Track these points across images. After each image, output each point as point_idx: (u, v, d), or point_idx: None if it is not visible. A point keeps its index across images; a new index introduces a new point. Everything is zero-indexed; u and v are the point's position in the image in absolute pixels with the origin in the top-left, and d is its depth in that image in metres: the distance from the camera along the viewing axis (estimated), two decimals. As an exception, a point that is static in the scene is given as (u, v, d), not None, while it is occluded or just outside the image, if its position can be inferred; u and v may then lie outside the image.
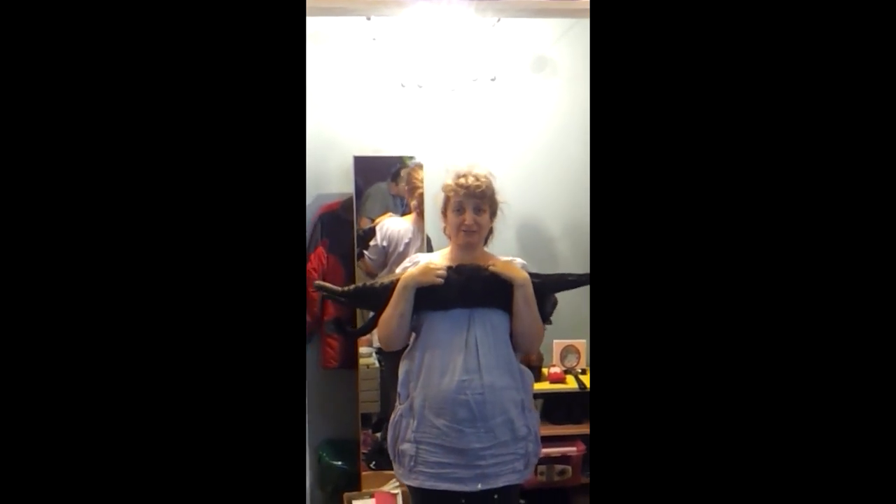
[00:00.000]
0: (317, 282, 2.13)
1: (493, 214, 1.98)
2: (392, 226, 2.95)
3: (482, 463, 1.85)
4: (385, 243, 2.93)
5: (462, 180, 1.92)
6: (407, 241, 2.93)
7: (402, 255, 2.82)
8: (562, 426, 2.94)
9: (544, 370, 3.00)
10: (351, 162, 2.91)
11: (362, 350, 2.95)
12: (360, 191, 2.94)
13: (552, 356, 3.08)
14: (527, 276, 1.92)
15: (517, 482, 1.92)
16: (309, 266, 2.95)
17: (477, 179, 1.92)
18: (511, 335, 1.93)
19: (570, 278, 2.03)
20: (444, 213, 1.98)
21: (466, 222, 1.91)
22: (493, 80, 2.91)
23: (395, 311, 1.89)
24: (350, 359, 2.99)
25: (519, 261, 2.00)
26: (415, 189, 2.93)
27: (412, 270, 1.92)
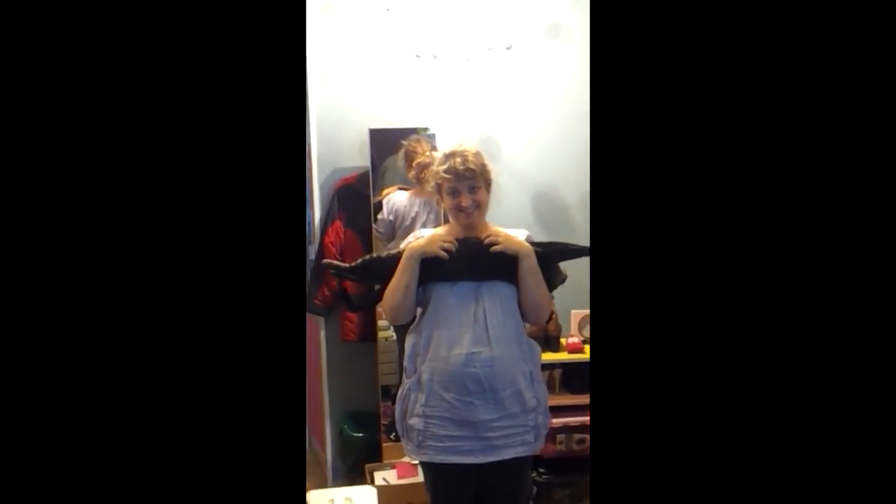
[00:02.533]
0: (325, 261, 2.12)
1: (487, 186, 1.92)
2: (398, 199, 2.95)
3: (491, 435, 1.84)
4: (391, 217, 2.93)
5: (450, 163, 1.87)
6: (413, 214, 2.92)
7: (409, 229, 2.81)
8: (580, 396, 2.95)
9: (562, 340, 3.00)
10: (367, 135, 2.91)
11: (381, 322, 2.97)
12: (375, 164, 2.93)
13: (570, 326, 3.08)
14: (529, 246, 1.89)
15: (527, 454, 1.92)
16: (326, 240, 2.96)
17: (464, 160, 1.86)
18: (519, 306, 1.92)
19: (571, 247, 2.01)
20: (441, 197, 1.95)
21: (464, 204, 1.87)
22: (508, 48, 2.89)
23: (400, 283, 1.87)
24: (369, 331, 3.01)
25: (524, 232, 1.98)
26: (413, 160, 2.89)
27: (417, 241, 1.91)
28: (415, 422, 1.88)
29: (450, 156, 1.89)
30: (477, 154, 1.91)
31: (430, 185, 1.97)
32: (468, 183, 1.87)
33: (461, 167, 1.86)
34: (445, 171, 1.87)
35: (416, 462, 2.78)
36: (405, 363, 1.96)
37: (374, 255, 2.07)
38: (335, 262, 2.08)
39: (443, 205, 1.97)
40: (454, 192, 1.88)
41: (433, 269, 1.87)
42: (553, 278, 1.98)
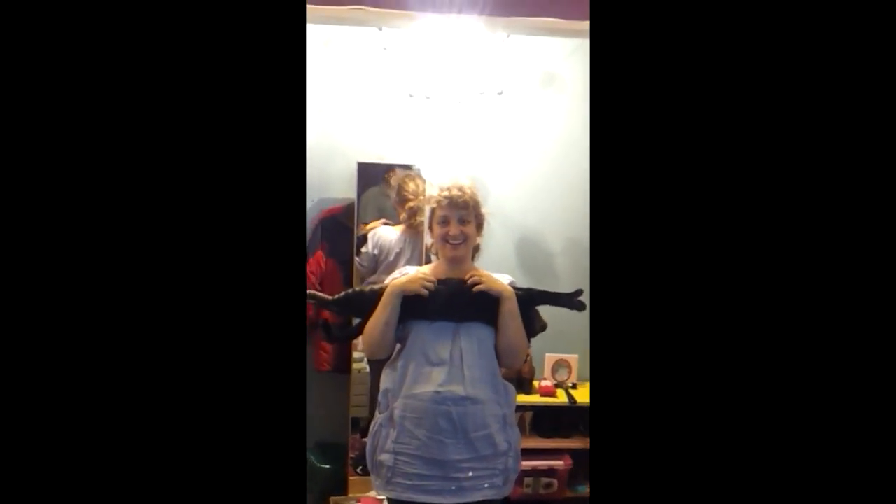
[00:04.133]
0: (308, 291, 2.14)
1: (479, 227, 1.97)
2: (384, 234, 2.97)
3: (460, 476, 1.84)
4: (376, 251, 2.95)
5: (446, 192, 1.93)
6: (398, 250, 2.95)
7: (393, 264, 2.84)
8: (550, 439, 2.96)
9: (535, 383, 3.02)
10: (355, 168, 2.94)
11: (356, 354, 2.97)
12: (361, 197, 2.96)
13: (543, 369, 3.10)
14: (511, 290, 1.92)
15: (494, 498, 1.92)
16: (307, 269, 2.97)
17: (461, 190, 1.92)
18: (495, 349, 1.94)
19: (551, 294, 2.03)
20: (430, 226, 1.99)
21: (451, 232, 1.91)
22: (499, 94, 2.95)
23: (380, 319, 1.89)
24: (343, 362, 3.01)
25: (507, 277, 2.01)
26: (405, 201, 2.94)
27: (399, 279, 1.93)
28: (385, 458, 1.88)
29: (447, 186, 1.94)
30: (473, 189, 1.96)
31: (423, 216, 1.99)
32: (459, 213, 1.91)
33: (456, 193, 1.91)
34: (440, 198, 1.92)
35: (383, 498, 2.76)
36: (379, 398, 1.97)
37: (357, 289, 2.09)
38: (318, 293, 2.10)
39: (431, 236, 2.00)
40: (444, 221, 1.92)
41: (414, 306, 1.89)
42: (532, 324, 2.00)
